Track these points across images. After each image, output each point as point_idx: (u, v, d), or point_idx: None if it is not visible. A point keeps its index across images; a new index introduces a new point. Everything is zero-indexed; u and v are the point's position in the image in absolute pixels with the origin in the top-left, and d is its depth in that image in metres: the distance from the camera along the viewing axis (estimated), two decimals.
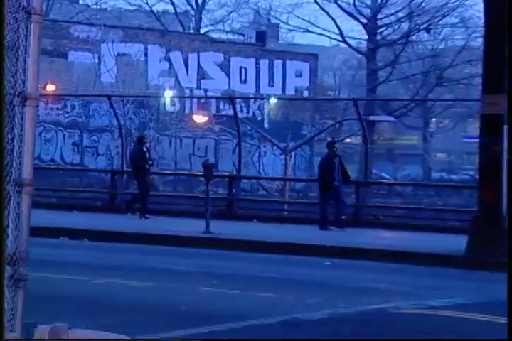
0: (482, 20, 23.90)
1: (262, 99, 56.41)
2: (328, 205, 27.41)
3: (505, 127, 22.25)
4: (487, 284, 18.70)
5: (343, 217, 27.90)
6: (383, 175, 51.44)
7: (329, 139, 37.65)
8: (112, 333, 5.97)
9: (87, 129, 56.79)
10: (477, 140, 24.33)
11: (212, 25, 61.53)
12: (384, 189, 42.23)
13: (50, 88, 47.41)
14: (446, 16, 52.45)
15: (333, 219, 27.60)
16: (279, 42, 62.36)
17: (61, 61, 52.71)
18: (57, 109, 54.02)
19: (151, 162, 31.33)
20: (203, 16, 64.08)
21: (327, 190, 26.56)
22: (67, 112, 55.25)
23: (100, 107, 53.27)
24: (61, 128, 53.70)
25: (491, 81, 22.59)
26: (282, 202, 37.11)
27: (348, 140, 55.35)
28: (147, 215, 29.66)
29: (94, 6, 68.03)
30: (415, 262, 21.58)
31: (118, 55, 56.85)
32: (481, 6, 24.22)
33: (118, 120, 37.46)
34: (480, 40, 25.17)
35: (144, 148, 31.33)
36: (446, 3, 51.47)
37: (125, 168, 34.48)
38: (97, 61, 56.33)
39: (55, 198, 36.08)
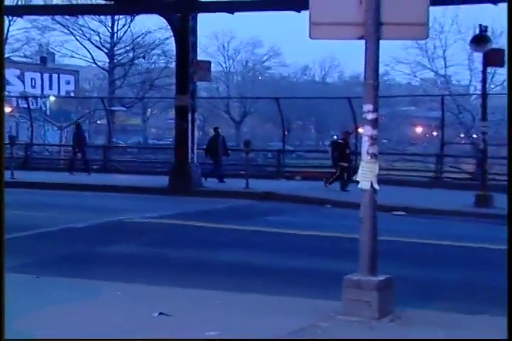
0: (174, 53, 24.12)
1: (45, 97, 55.27)
2: (212, 166, 25.37)
3: (189, 114, 22.72)
4: (181, 204, 19.06)
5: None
6: (119, 141, 50.93)
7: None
8: None
9: None
10: (174, 121, 24.70)
11: (12, 52, 59.36)
12: (120, 150, 41.93)
13: None
14: (154, 49, 52.69)
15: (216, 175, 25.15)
16: (55, 63, 60.85)
17: None
18: None
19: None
20: (6, 46, 62.24)
21: (213, 158, 24.95)
22: None
23: None
24: None
25: (180, 87, 22.86)
26: (59, 159, 36.44)
27: (99, 121, 54.66)
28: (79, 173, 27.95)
29: None
30: (139, 192, 21.62)
31: None
32: (173, 45, 24.37)
33: None
34: (173, 63, 25.43)
35: (82, 131, 30.37)
36: (154, 42, 51.77)
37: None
38: None
39: None
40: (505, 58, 21.78)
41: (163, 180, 22.56)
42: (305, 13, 7.49)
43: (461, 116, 40.40)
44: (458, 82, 49.17)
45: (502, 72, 41.91)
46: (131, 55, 52.92)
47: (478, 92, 27.93)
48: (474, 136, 36.44)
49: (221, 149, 25.29)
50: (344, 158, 22.26)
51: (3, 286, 4.07)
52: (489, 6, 20.08)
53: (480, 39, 19.37)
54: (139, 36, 52.25)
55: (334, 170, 22.33)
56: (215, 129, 26.34)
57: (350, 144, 23.18)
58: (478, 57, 24.77)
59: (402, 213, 17.43)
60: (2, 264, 4.05)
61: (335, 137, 22.65)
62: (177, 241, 12.88)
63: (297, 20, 14.77)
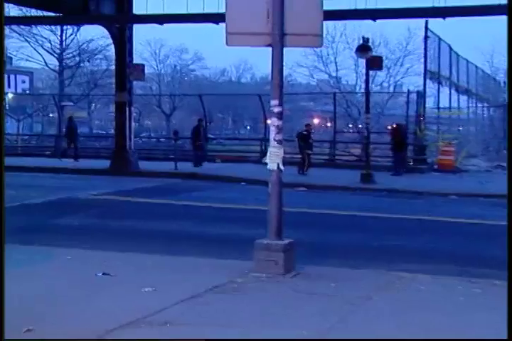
0: (114, 57, 23.64)
1: (5, 94, 53.55)
2: (197, 153, 24.01)
3: (127, 108, 22.39)
4: (120, 183, 18.68)
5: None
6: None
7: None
8: None
9: None
10: (114, 114, 24.27)
11: None
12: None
13: None
14: (97, 54, 51.59)
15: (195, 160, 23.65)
16: (13, 65, 58.78)
17: None
18: None
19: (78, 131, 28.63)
20: None
21: (196, 145, 23.79)
22: None
23: None
24: None
25: (119, 85, 22.54)
26: (17, 146, 35.41)
27: (51, 115, 53.02)
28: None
29: None
30: (85, 174, 21.26)
31: None
32: (113, 51, 23.84)
33: None
34: (114, 66, 24.83)
35: (74, 123, 27.98)
36: (97, 48, 50.77)
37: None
38: None
39: None
40: (383, 63, 22.24)
41: (105, 163, 22.23)
42: (222, 25, 7.44)
43: (349, 109, 41.01)
44: (347, 82, 49.77)
45: (381, 75, 42.80)
46: (77, 59, 51.84)
47: (363, 91, 28.32)
48: (360, 125, 36.99)
49: (202, 137, 24.41)
50: (308, 147, 22.03)
51: (3, 288, 3.43)
52: (370, 21, 20.39)
53: (363, 48, 19.66)
54: (84, 43, 51.19)
55: (301, 157, 21.51)
56: (199, 120, 25.15)
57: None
58: (362, 62, 25.05)
59: (304, 189, 17.60)
60: (2, 267, 3.49)
61: (304, 133, 22.22)
62: (118, 214, 12.72)
63: (216, 31, 14.67)
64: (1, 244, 3.56)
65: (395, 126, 23.43)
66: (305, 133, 22.32)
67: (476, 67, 34.02)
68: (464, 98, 30.28)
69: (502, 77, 45.24)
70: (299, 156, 21.52)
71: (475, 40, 44.78)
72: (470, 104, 31.68)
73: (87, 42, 51.10)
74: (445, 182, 20.00)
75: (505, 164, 26.43)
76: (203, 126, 24.67)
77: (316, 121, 56.60)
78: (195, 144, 24.13)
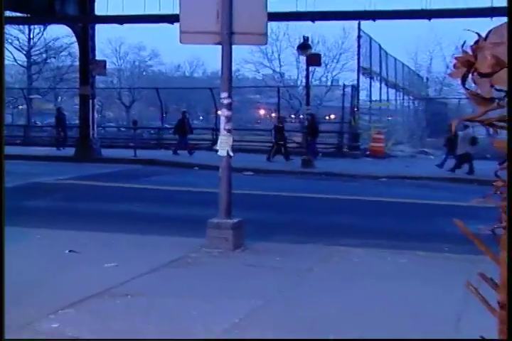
0: (78, 54, 23.13)
1: None
2: (182, 142, 22.93)
3: (90, 100, 21.96)
4: (84, 168, 18.36)
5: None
6: (37, 122, 48.23)
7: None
8: None
9: None
10: (78, 106, 23.73)
11: None
12: (38, 128, 39.48)
13: None
14: (62, 51, 50.33)
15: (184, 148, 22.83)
16: None
17: None
18: None
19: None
20: None
21: (183, 135, 22.83)
22: None
23: None
24: None
25: (83, 80, 22.11)
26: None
27: (20, 107, 51.40)
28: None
29: None
30: (52, 160, 20.77)
31: None
32: (77, 48, 23.34)
33: None
34: (78, 62, 24.26)
35: (63, 114, 27.09)
36: (62, 46, 49.44)
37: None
38: None
39: None
40: (321, 60, 22.31)
41: (70, 151, 21.81)
42: (176, 25, 7.34)
43: (291, 102, 41.15)
44: (289, 76, 49.85)
45: (320, 70, 43.03)
46: (44, 55, 50.61)
47: (304, 85, 28.41)
48: (301, 116, 37.14)
49: (187, 128, 23.54)
50: (282, 138, 21.59)
51: (3, 286, 3.27)
52: (309, 22, 20.43)
53: (303, 46, 19.73)
54: (50, 41, 50.00)
55: (271, 147, 21.55)
56: (183, 113, 24.37)
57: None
58: (302, 59, 25.12)
59: (251, 173, 17.60)
60: (2, 265, 3.30)
61: (280, 125, 22.19)
62: (83, 197, 12.50)
63: (171, 30, 14.49)
64: (2, 242, 3.30)
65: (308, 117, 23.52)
66: (280, 125, 22.27)
67: (403, 64, 34.51)
68: (392, 91, 30.72)
69: (424, 73, 46.05)
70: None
71: (401, 40, 45.31)
72: (398, 97, 32.16)
73: (53, 41, 49.99)
74: (376, 166, 20.29)
75: (427, 150, 27.01)
76: (187, 117, 24.10)
77: (262, 112, 56.70)
78: (182, 135, 23.15)
